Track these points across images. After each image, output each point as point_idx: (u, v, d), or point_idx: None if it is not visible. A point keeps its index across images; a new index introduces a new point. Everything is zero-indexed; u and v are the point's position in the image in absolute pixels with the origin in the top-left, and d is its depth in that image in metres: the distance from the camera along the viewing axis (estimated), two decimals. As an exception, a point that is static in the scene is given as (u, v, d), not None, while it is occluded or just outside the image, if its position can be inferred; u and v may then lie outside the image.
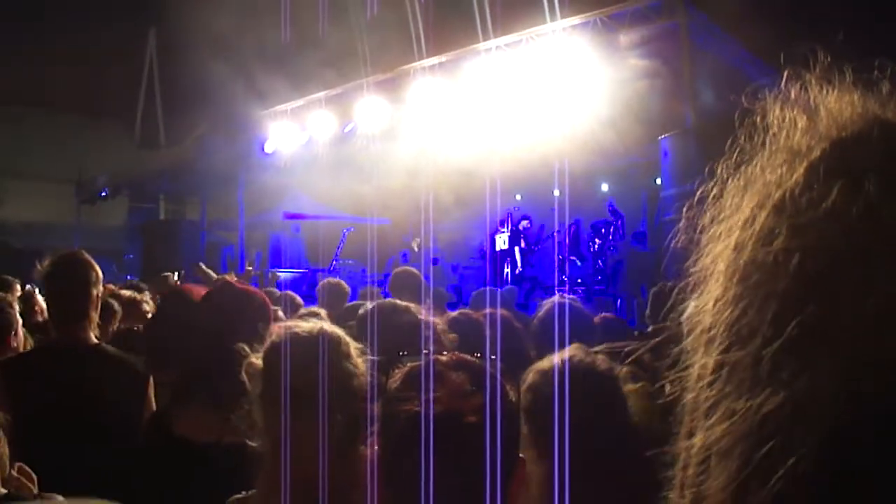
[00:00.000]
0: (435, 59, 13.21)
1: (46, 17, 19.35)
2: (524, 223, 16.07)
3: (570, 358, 2.64)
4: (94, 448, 3.20)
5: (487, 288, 8.85)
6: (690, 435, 0.61)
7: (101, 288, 3.97)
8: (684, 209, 0.70)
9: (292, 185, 17.51)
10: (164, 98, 25.22)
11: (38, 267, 4.03)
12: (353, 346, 2.33)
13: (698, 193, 0.69)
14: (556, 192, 13.96)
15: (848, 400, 0.49)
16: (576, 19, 11.71)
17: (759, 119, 0.65)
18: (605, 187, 17.50)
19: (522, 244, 15.97)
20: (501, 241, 16.24)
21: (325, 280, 7.66)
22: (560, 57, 11.81)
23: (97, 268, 3.99)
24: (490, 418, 1.52)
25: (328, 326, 2.42)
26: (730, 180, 0.65)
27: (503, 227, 16.08)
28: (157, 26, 24.03)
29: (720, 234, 0.63)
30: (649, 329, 6.05)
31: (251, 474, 2.28)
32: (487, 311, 4.44)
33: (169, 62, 22.16)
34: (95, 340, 3.82)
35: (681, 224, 0.70)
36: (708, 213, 0.66)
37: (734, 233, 0.61)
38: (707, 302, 0.63)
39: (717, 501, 0.56)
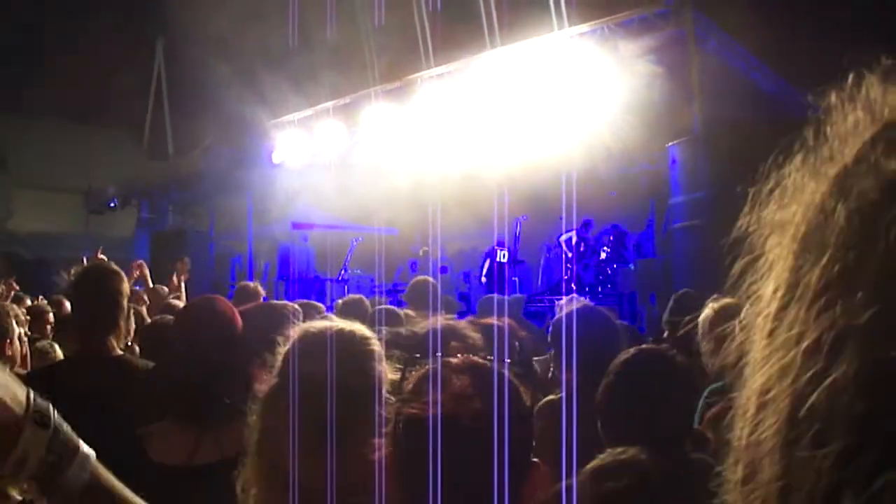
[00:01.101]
0: (442, 68, 13.22)
1: (56, 29, 19.45)
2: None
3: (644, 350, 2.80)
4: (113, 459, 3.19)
5: (494, 295, 8.84)
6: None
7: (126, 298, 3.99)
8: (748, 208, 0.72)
9: (300, 195, 17.51)
10: (172, 109, 25.31)
11: (66, 277, 4.04)
12: (376, 346, 2.30)
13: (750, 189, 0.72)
14: (564, 200, 13.94)
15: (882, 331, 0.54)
16: (583, 27, 11.71)
17: (820, 116, 0.68)
18: (613, 196, 17.49)
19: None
20: (501, 255, 16.23)
21: (348, 297, 7.63)
22: (567, 64, 11.81)
23: (125, 278, 4.01)
24: (498, 420, 1.51)
25: (346, 325, 2.39)
26: (786, 172, 0.69)
27: (500, 248, 16.02)
28: (165, 36, 24.12)
29: (780, 219, 0.67)
30: (665, 334, 6.04)
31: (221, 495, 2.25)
32: (495, 321, 4.41)
33: (177, 72, 22.24)
34: (119, 351, 3.83)
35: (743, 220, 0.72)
36: (766, 203, 0.70)
37: (795, 213, 0.66)
38: (768, 275, 0.67)
39: (772, 434, 0.61)
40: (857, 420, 0.54)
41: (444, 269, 16.48)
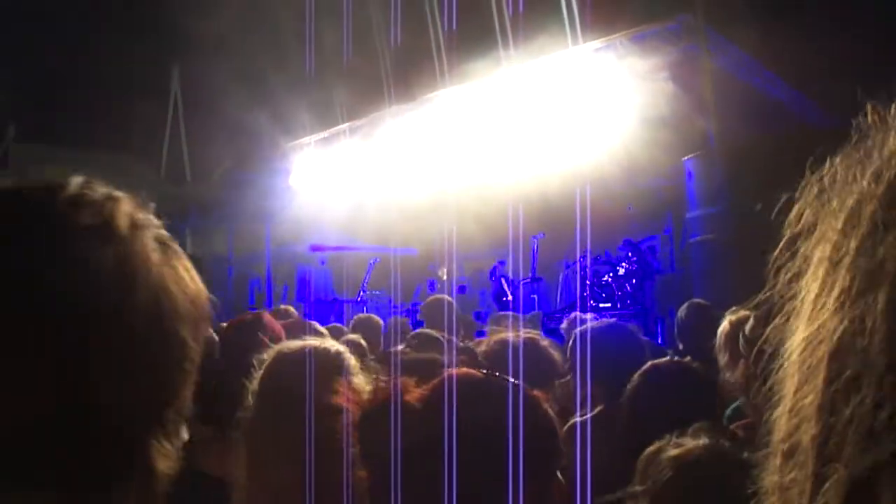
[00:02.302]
0: (458, 87, 13.26)
1: (75, 58, 19.65)
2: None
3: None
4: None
5: (510, 314, 8.79)
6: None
7: None
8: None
9: (318, 217, 17.56)
10: (188, 134, 25.47)
11: None
12: (352, 363, 2.37)
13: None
14: (579, 216, 13.91)
15: None
16: (596, 43, 11.73)
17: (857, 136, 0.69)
18: (630, 210, 17.47)
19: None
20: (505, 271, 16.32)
21: (359, 315, 7.69)
22: (581, 81, 11.84)
23: None
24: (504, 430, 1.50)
25: (320, 342, 2.46)
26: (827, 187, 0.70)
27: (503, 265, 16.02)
28: (181, 62, 24.30)
29: (822, 231, 0.69)
30: (680, 347, 6.00)
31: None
32: (510, 335, 4.40)
33: (193, 98, 22.34)
34: None
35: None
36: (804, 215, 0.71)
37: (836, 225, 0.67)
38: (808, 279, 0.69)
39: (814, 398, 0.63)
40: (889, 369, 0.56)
41: (461, 289, 16.48)
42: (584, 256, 14.56)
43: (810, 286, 0.67)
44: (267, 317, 3.71)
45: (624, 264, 14.52)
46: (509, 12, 9.54)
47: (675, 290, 12.47)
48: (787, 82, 11.51)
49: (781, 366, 0.69)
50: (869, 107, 0.68)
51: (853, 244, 0.62)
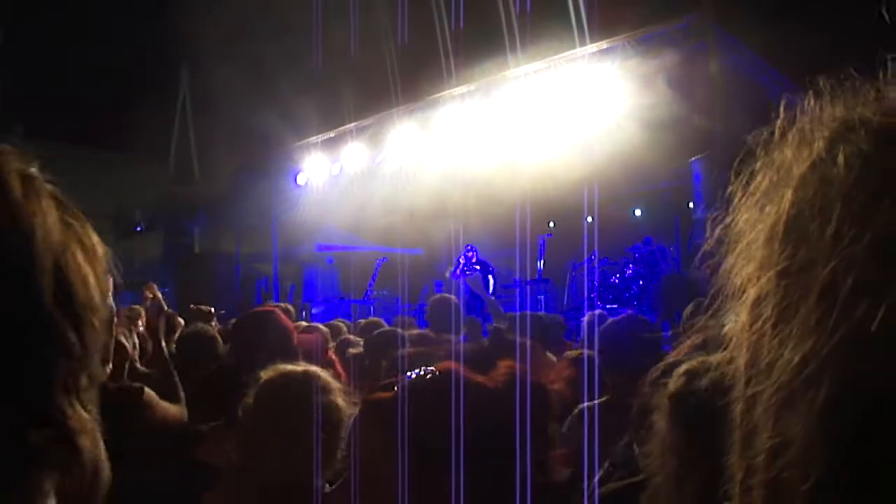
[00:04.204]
0: (465, 87, 13.26)
1: (84, 58, 19.70)
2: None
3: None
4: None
5: (528, 312, 8.76)
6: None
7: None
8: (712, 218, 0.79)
9: (325, 217, 17.57)
10: (197, 133, 25.51)
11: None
12: (335, 386, 2.47)
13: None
14: (589, 219, 13.91)
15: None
16: (603, 44, 11.72)
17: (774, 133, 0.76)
18: (637, 212, 17.48)
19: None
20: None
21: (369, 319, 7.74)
22: (588, 82, 11.83)
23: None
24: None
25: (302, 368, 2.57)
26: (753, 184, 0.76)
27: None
28: (189, 62, 24.35)
29: (749, 217, 0.73)
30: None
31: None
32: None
33: (201, 97, 22.41)
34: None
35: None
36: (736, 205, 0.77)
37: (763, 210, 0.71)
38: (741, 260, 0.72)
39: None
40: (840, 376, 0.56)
41: (468, 289, 16.45)
42: (591, 258, 14.54)
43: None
44: (277, 313, 3.72)
45: (631, 266, 14.52)
46: (516, 13, 9.55)
47: (681, 291, 12.45)
48: (795, 82, 11.48)
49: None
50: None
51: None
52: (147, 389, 3.59)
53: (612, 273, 14.74)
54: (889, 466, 0.54)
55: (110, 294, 1.00)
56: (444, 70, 11.74)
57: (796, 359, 0.59)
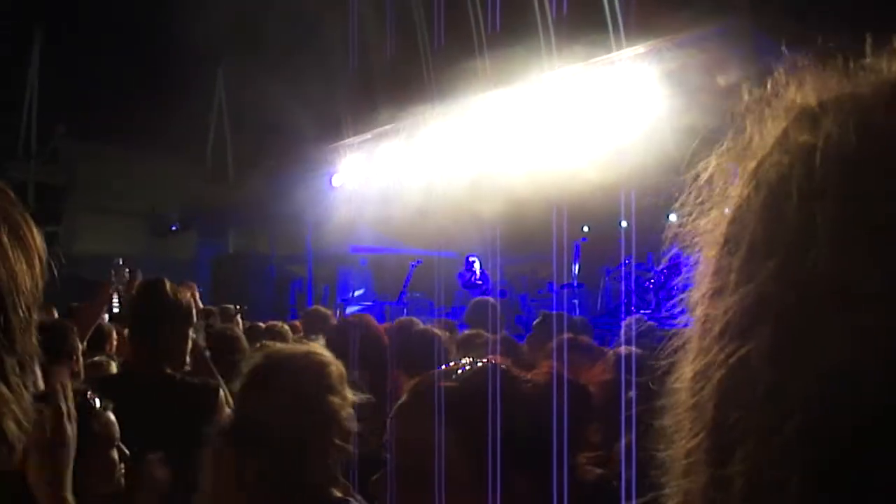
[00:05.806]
0: (501, 90, 13.22)
1: (121, 59, 19.92)
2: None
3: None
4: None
5: (554, 313, 8.73)
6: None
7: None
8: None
9: (360, 219, 17.61)
10: (232, 134, 25.69)
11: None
12: (336, 374, 2.39)
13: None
14: (624, 223, 13.83)
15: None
16: (640, 48, 11.65)
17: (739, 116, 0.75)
18: (672, 217, 17.33)
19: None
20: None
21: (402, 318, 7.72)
22: (625, 85, 11.76)
23: (189, 306, 4.02)
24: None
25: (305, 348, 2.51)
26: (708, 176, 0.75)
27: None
28: (226, 63, 24.54)
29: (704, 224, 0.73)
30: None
31: None
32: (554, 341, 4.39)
33: (237, 98, 22.58)
34: (169, 371, 3.81)
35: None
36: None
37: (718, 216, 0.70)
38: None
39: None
40: (769, 393, 0.54)
41: (503, 293, 16.40)
42: (626, 262, 14.47)
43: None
44: (368, 318, 3.87)
45: (665, 270, 14.42)
46: (553, 16, 9.51)
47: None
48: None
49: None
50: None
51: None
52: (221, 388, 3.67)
53: (647, 278, 14.64)
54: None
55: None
56: (479, 71, 11.72)
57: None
